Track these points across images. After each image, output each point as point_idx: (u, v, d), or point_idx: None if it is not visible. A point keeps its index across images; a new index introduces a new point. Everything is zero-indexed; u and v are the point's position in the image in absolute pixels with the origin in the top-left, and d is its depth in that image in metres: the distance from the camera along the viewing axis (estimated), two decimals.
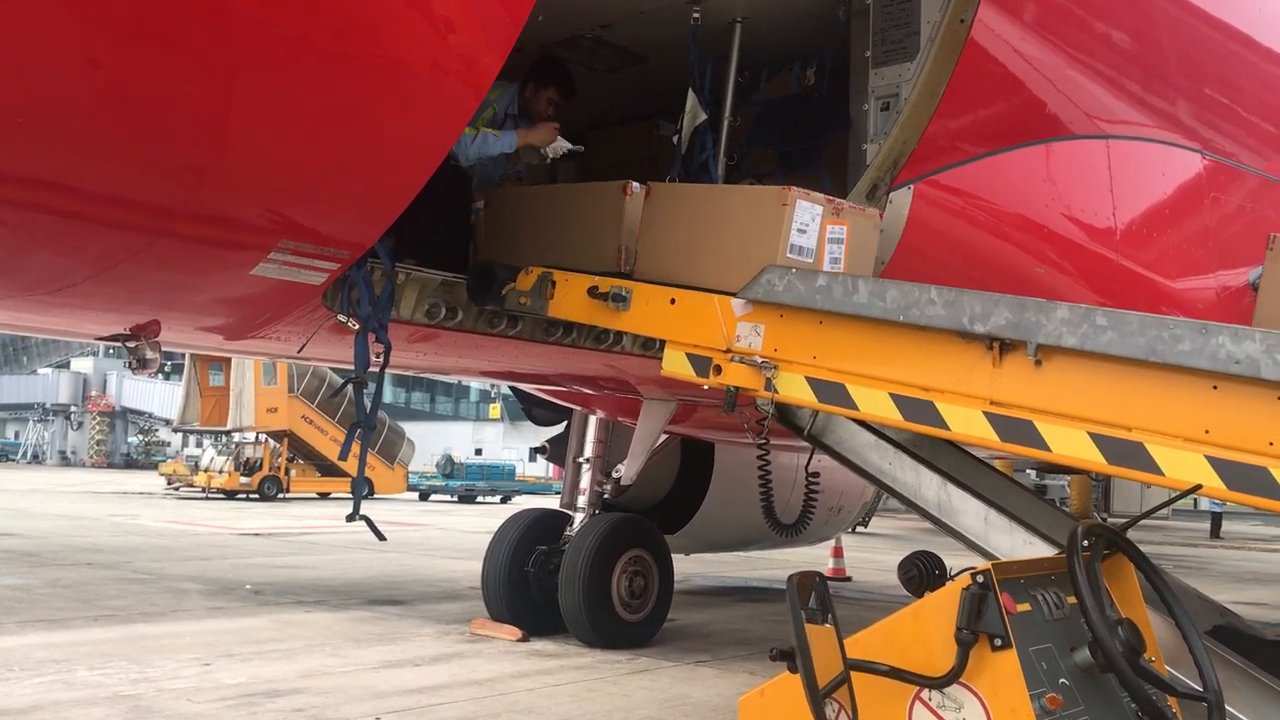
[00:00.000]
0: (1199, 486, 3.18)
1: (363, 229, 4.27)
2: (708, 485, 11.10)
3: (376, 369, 4.81)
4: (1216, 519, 30.05)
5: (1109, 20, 6.87)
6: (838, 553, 18.07)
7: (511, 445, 55.58)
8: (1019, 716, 2.58)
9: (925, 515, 4.19)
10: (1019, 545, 3.88)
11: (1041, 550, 3.77)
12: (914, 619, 2.86)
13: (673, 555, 10.57)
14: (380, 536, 5.00)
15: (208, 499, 32.85)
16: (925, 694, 2.71)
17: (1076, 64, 6.59)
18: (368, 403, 4.85)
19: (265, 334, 5.16)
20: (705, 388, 4.50)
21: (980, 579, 2.70)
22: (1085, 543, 2.91)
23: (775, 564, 18.22)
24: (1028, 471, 20.61)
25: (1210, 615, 3.79)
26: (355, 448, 5.09)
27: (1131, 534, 3.40)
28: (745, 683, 9.43)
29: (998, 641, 2.64)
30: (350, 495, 5.32)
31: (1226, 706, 3.33)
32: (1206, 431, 3.26)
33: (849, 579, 16.54)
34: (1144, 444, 3.37)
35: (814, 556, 17.50)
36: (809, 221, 4.33)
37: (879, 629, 2.89)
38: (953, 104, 5.57)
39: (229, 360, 30.90)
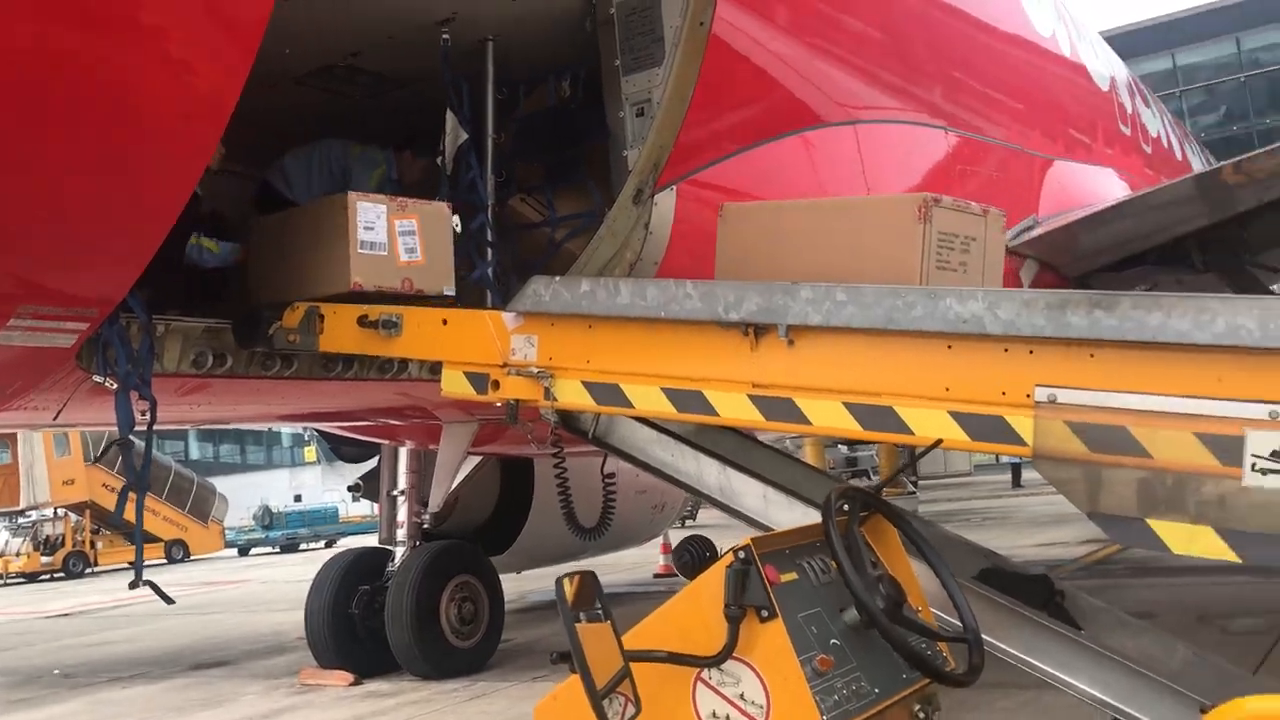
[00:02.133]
0: (940, 441, 3.40)
1: (108, 284, 4.12)
2: (529, 502, 11.13)
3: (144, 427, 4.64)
4: (1016, 469, 31.80)
5: (848, 9, 7.23)
6: (667, 549, 18.33)
7: (332, 487, 53.91)
8: (791, 682, 2.70)
9: (710, 501, 4.33)
10: (799, 518, 4.04)
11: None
12: (688, 602, 2.95)
13: (504, 575, 10.55)
14: (167, 600, 4.82)
15: (5, 585, 30.77)
16: (705, 674, 2.80)
17: (819, 54, 6.90)
18: (138, 463, 4.66)
19: (20, 404, 4.91)
20: (499, 404, 4.53)
21: (742, 555, 2.82)
22: (844, 507, 3.07)
23: (613, 568, 18.34)
24: (839, 446, 21.35)
25: (976, 559, 4.04)
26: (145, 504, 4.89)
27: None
28: None
29: (764, 613, 2.76)
30: (165, 560, 5.12)
31: (998, 643, 3.57)
32: (947, 389, 3.49)
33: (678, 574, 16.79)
34: (893, 407, 3.58)
35: (646, 555, 17.72)
36: (374, 219, 4.73)
37: (656, 617, 2.98)
38: (703, 104, 5.75)
39: (13, 435, 29.04)
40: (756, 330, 3.81)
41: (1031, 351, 3.38)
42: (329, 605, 9.73)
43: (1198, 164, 15.46)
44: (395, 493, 10.43)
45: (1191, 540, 3.19)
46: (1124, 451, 3.24)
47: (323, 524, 37.66)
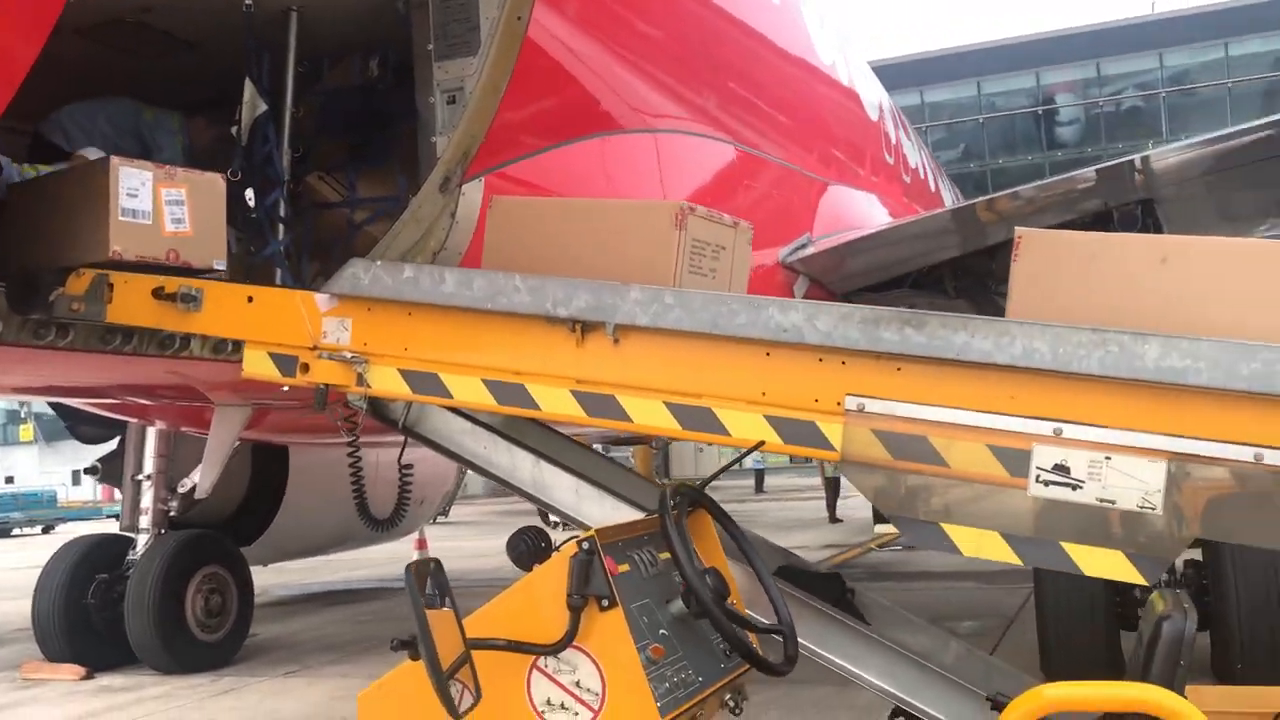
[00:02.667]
0: (762, 443, 3.56)
1: None
2: (283, 491, 10.75)
3: None
4: (759, 475, 33.33)
5: (651, 22, 7.40)
6: (422, 544, 18.08)
7: (50, 469, 50.08)
8: (629, 670, 2.77)
9: (522, 494, 4.35)
10: (609, 512, 4.13)
11: (629, 515, 4.04)
12: (526, 592, 2.98)
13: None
14: None
15: None
16: (542, 662, 2.84)
17: (626, 63, 7.04)
18: None
19: None
20: (285, 389, 4.37)
21: (586, 545, 2.87)
22: (673, 502, 3.17)
23: (358, 564, 17.91)
24: (594, 446, 21.69)
25: (775, 558, 4.25)
26: None
27: None
28: (338, 688, 9.25)
29: (605, 602, 2.82)
30: None
31: (800, 637, 3.77)
32: (764, 393, 3.66)
33: None
34: (712, 409, 3.72)
35: (399, 552, 17.39)
36: (139, 186, 4.46)
37: (494, 606, 2.98)
38: (516, 99, 5.75)
39: None
40: (584, 327, 3.86)
41: (844, 363, 3.60)
42: (62, 594, 9.20)
43: (948, 197, 16.67)
44: (141, 477, 9.88)
45: (980, 544, 3.48)
46: (924, 460, 3.50)
47: (39, 508, 34.86)
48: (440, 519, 22.44)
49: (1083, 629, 6.97)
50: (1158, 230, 9.47)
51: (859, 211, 10.82)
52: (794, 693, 8.52)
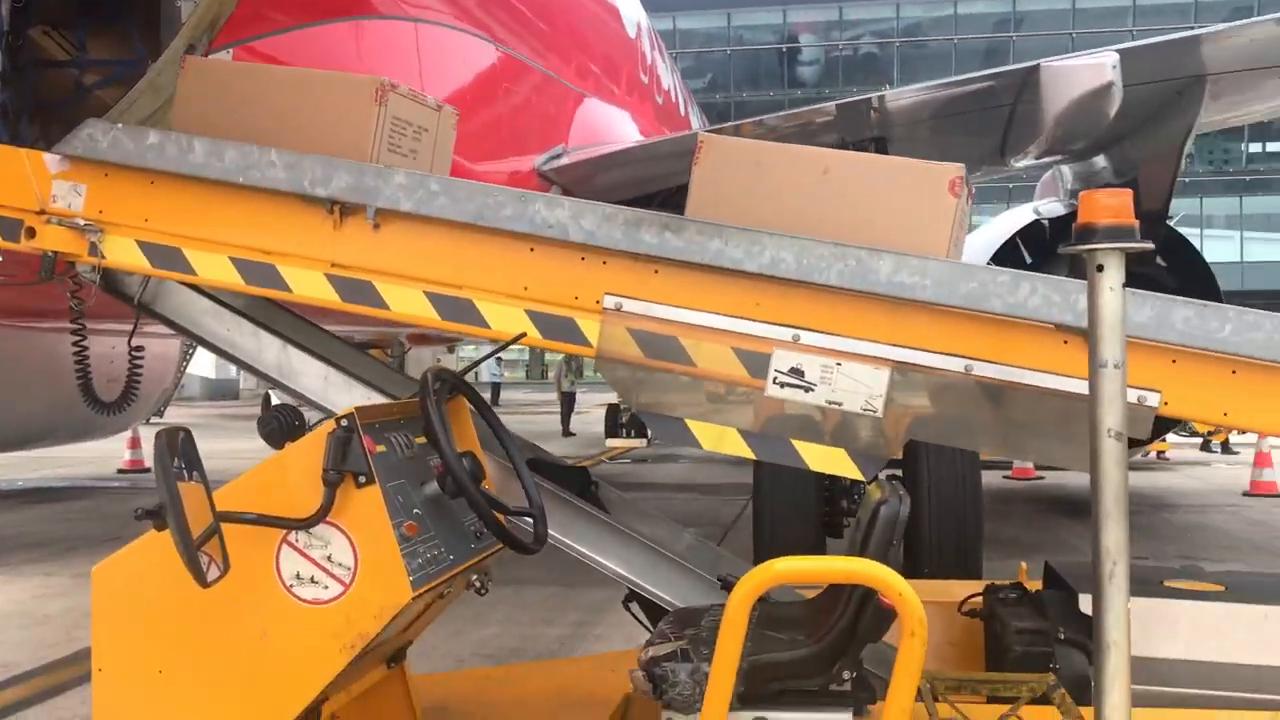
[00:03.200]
0: (523, 335, 3.63)
1: None
2: None
3: None
4: (495, 388, 33.41)
5: None
6: (134, 444, 17.18)
7: None
8: (383, 544, 2.80)
9: (266, 379, 4.23)
10: (357, 399, 4.07)
11: (379, 402, 4.01)
12: (278, 468, 2.93)
13: None
14: None
15: None
16: (292, 536, 2.82)
17: None
18: None
19: None
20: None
21: (345, 423, 2.86)
22: (434, 386, 3.19)
23: (61, 464, 16.85)
24: None
25: (526, 451, 4.34)
26: None
27: None
28: (42, 586, 8.76)
29: (361, 479, 2.83)
30: None
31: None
32: (525, 288, 3.71)
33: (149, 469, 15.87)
34: (474, 300, 3.74)
35: (109, 452, 16.47)
36: None
37: (245, 481, 2.93)
38: None
39: None
40: (343, 209, 3.77)
41: (605, 262, 3.69)
42: None
43: (696, 122, 17.06)
44: None
45: (720, 439, 3.70)
46: (673, 359, 3.66)
47: None
48: (155, 419, 21.32)
49: (794, 534, 7.51)
50: None
51: (613, 127, 10.94)
52: (522, 593, 8.77)
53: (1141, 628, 3.56)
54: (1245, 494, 16.08)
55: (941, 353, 3.52)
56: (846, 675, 2.88)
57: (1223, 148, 58.14)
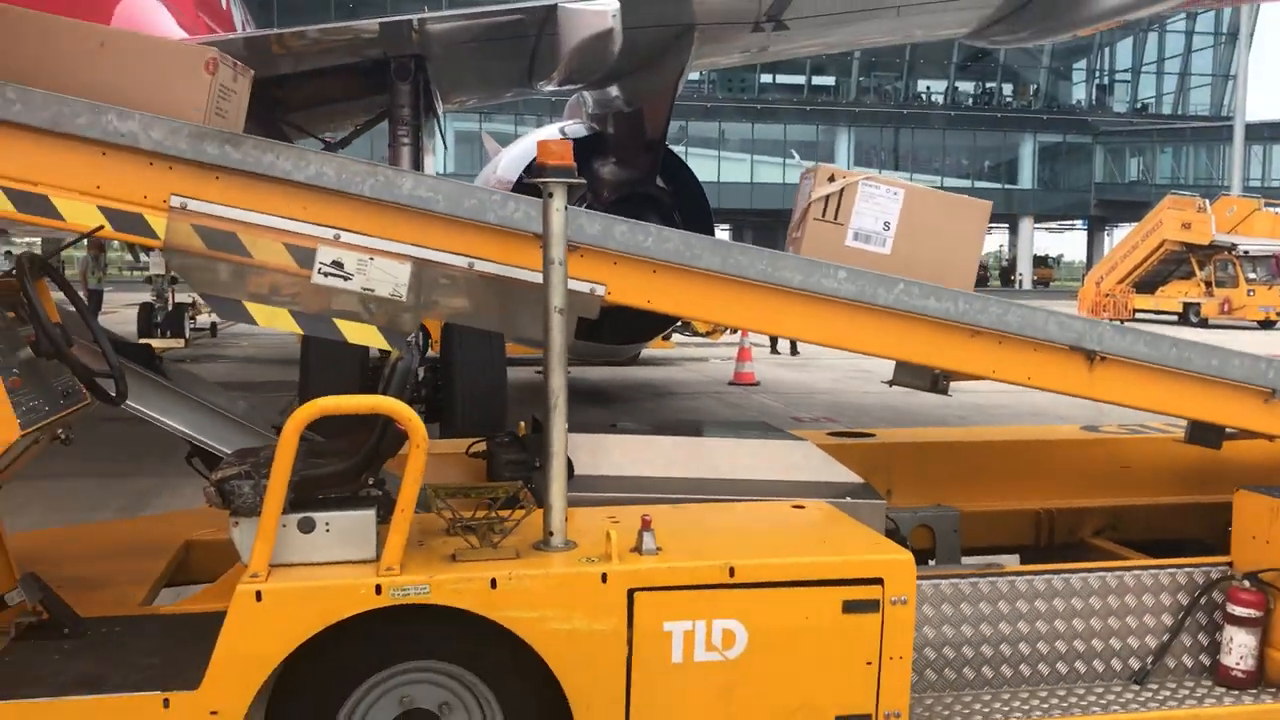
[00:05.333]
0: (101, 227, 4.26)
1: None
2: None
3: None
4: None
5: None
6: None
7: None
8: None
9: None
10: None
11: None
12: None
13: None
14: None
15: None
16: None
17: None
18: None
19: None
20: None
21: None
22: (28, 267, 3.78)
23: None
24: None
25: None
26: None
27: None
28: None
29: None
30: None
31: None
32: (98, 186, 4.32)
33: None
34: (49, 196, 4.29)
35: None
36: None
37: None
38: None
39: None
40: None
41: (171, 168, 4.39)
42: None
43: (238, 16, 16.90)
44: None
45: (273, 318, 4.56)
46: (233, 251, 4.46)
47: None
48: None
49: None
50: (428, 86, 11.06)
51: (150, 20, 10.95)
52: (58, 485, 9.03)
53: (590, 454, 4.95)
54: (730, 383, 19.04)
55: (450, 251, 4.61)
56: (372, 484, 3.93)
57: (740, 77, 64.50)
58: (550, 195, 3.93)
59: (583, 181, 3.98)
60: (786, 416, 14.66)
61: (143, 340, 21.40)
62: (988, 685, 4.77)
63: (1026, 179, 69.85)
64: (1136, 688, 4.81)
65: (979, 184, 65.63)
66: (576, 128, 13.28)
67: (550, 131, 13.92)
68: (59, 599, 4.01)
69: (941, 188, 15.96)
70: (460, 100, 15.74)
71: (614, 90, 11.86)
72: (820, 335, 4.93)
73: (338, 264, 4.52)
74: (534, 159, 4.18)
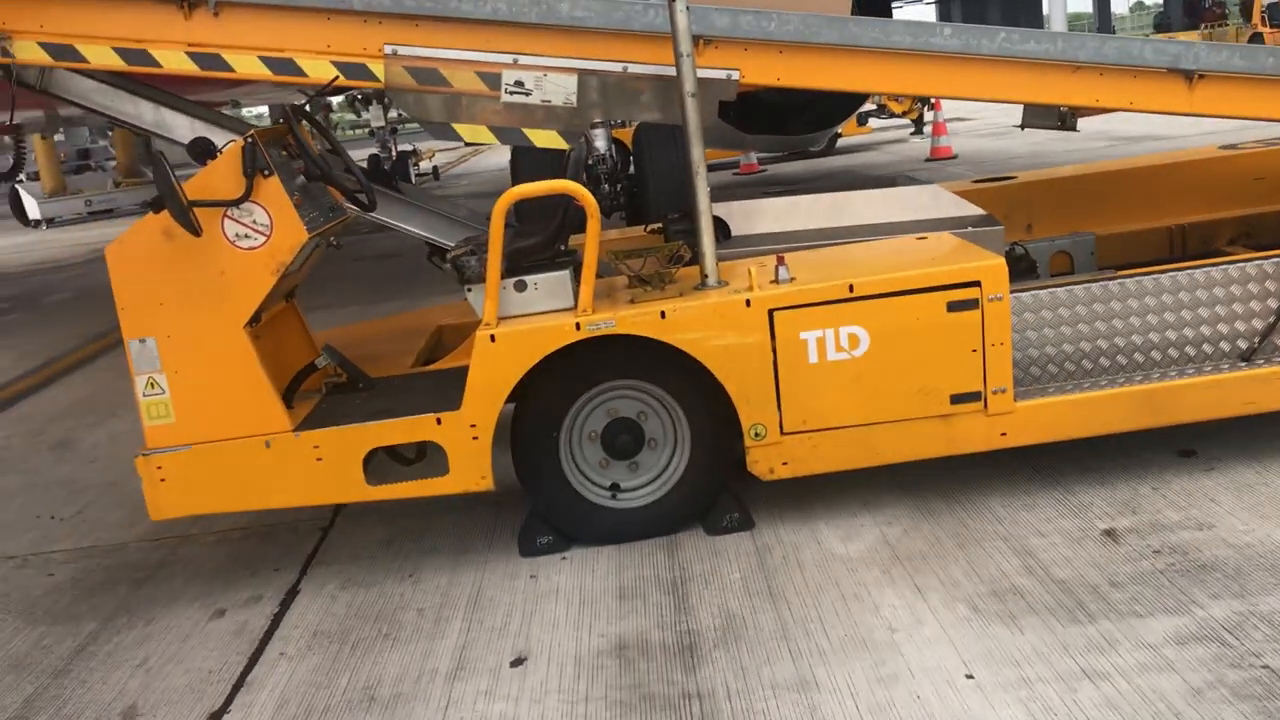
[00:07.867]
0: (337, 77, 5.45)
1: None
2: None
3: None
4: None
5: None
6: None
7: None
8: (286, 210, 4.64)
9: (146, 131, 5.92)
10: (219, 140, 5.83)
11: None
12: (212, 173, 4.67)
13: None
14: None
15: None
16: (230, 212, 4.65)
17: None
18: None
19: None
20: None
21: (250, 139, 4.66)
22: (295, 118, 5.03)
23: None
24: None
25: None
26: None
27: None
28: None
29: (266, 172, 4.66)
30: None
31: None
32: (329, 45, 5.50)
33: None
34: (294, 58, 5.51)
35: None
36: None
37: (195, 182, 4.68)
38: None
39: None
40: (190, 4, 5.42)
41: (381, 22, 5.51)
42: None
43: None
44: None
45: (476, 134, 5.69)
46: (437, 84, 5.58)
47: None
48: None
49: None
50: None
51: None
52: (329, 315, 10.67)
53: (745, 217, 5.92)
54: (927, 160, 19.28)
55: (606, 59, 5.57)
56: (564, 252, 5.06)
57: None
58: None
59: None
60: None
61: None
62: (1104, 373, 5.45)
63: None
64: (1244, 364, 5.40)
65: None
66: None
67: None
68: (352, 363, 5.38)
69: None
70: None
71: None
72: (935, 88, 5.65)
73: (519, 83, 5.57)
74: None
